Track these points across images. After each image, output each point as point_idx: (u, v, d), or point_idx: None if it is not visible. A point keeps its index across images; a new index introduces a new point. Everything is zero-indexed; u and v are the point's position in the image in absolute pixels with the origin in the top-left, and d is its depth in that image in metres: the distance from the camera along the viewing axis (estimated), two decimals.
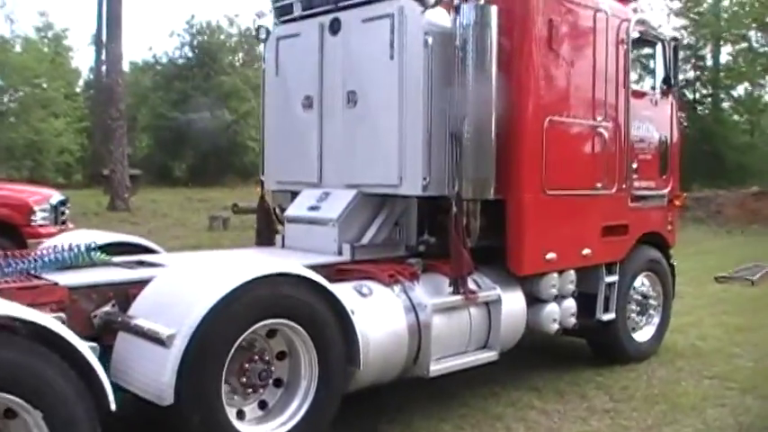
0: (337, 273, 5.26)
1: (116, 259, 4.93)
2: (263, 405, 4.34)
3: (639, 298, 7.02)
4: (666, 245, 7.40)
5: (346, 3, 5.77)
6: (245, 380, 4.20)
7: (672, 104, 7.27)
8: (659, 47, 7.04)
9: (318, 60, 5.96)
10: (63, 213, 10.94)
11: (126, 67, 30.32)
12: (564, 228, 5.95)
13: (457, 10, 5.22)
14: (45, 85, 31.54)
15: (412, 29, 5.29)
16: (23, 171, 32.81)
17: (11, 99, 32.56)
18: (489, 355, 5.44)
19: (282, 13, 6.36)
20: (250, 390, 4.25)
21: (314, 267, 5.12)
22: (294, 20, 6.24)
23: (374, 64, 5.52)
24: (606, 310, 6.55)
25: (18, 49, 34.36)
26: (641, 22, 6.70)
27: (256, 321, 4.09)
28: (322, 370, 4.38)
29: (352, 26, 5.71)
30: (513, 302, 5.66)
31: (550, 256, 5.78)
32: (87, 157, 34.04)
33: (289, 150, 6.33)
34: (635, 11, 6.72)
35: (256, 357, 4.25)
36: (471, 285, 5.39)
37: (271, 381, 4.34)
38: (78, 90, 39.00)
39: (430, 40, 5.23)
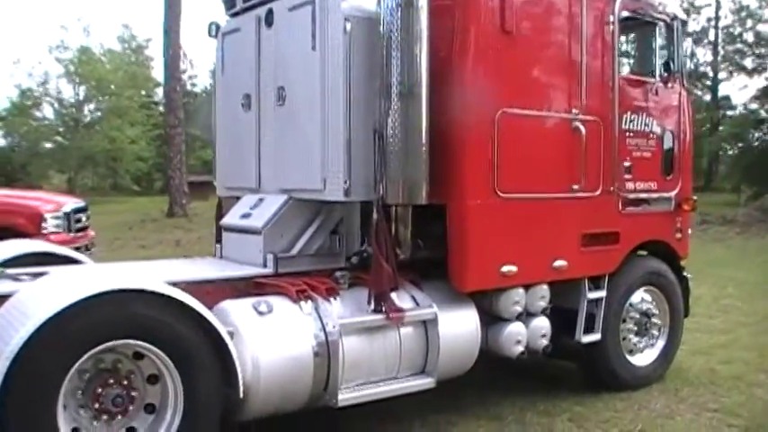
0: (255, 287, 4.75)
1: (9, 271, 4.60)
2: None
3: (638, 316, 6.14)
4: (676, 255, 6.47)
5: None
6: (97, 405, 3.76)
7: (680, 94, 6.34)
8: (658, 27, 6.12)
9: (256, 56, 5.47)
10: (79, 221, 10.88)
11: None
12: (527, 236, 5.20)
13: None
14: (121, 95, 32.60)
15: (332, 15, 4.72)
16: (104, 179, 34.18)
17: (89, 110, 33.86)
18: (424, 383, 4.78)
19: (229, 6, 5.91)
20: (106, 416, 3.79)
21: (228, 281, 4.73)
22: (237, 14, 5.78)
23: (299, 56, 4.98)
24: (590, 330, 5.74)
25: (103, 60, 35.79)
26: None
27: (99, 343, 3.63)
28: (188, 396, 3.88)
29: (281, 16, 5.20)
30: (459, 322, 4.98)
31: (508, 269, 5.05)
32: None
33: (232, 154, 5.89)
34: None
35: (112, 381, 3.79)
36: (405, 302, 4.77)
37: (132, 407, 3.87)
38: (157, 99, 40.24)
39: (349, 26, 4.64)
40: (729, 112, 38.61)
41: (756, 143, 30.09)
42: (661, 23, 6.12)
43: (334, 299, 4.58)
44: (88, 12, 63.83)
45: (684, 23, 6.54)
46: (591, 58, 5.51)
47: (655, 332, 6.30)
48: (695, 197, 6.48)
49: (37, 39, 68.69)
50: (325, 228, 5.19)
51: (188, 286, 4.46)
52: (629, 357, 6.09)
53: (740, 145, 31.37)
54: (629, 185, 5.90)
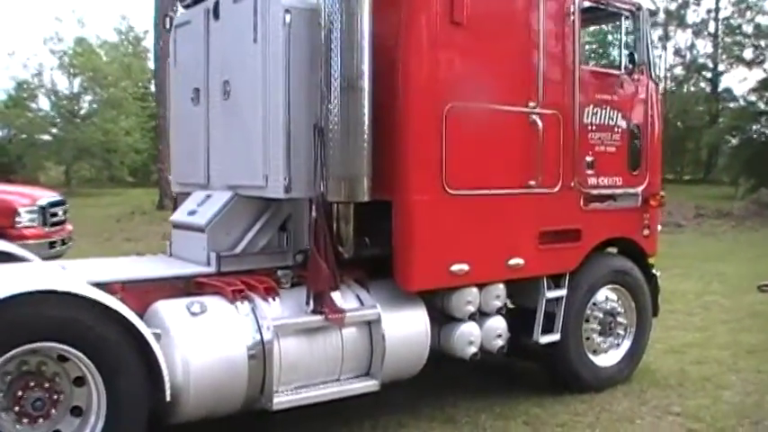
0: (196, 286, 4.62)
1: None
2: None
3: (602, 316, 5.98)
4: (643, 253, 6.31)
5: None
6: (17, 408, 3.67)
7: (648, 87, 6.15)
8: (623, 18, 5.92)
9: (205, 49, 5.32)
10: (55, 215, 10.76)
11: None
12: (480, 234, 5.04)
13: None
14: (115, 87, 32.49)
15: (272, 7, 4.56)
16: (101, 171, 34.07)
17: (87, 101, 33.76)
18: (367, 385, 4.65)
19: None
20: (27, 419, 3.69)
21: (167, 280, 4.61)
22: (189, 6, 5.63)
23: (242, 49, 4.84)
24: (549, 330, 5.59)
25: (99, 51, 35.67)
26: None
27: (14, 346, 3.53)
28: (110, 400, 3.78)
29: (227, 8, 5.04)
30: (406, 323, 4.84)
31: (458, 267, 4.90)
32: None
33: (184, 149, 5.75)
34: None
35: (33, 384, 3.67)
36: (349, 302, 4.64)
37: (55, 410, 3.77)
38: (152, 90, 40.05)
39: (289, 17, 4.48)
40: (732, 105, 38.30)
41: (755, 136, 29.81)
42: (626, 13, 5.91)
43: (274, 299, 4.44)
44: (84, 3, 63.60)
45: (653, 13, 6.35)
46: (549, 51, 5.33)
47: (620, 332, 6.14)
48: (663, 193, 6.30)
49: (32, 31, 68.62)
50: (272, 225, 5.05)
51: (125, 286, 4.38)
52: (592, 358, 5.93)
53: (739, 137, 31.08)
54: (592, 181, 5.73)
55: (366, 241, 4.87)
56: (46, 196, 10.82)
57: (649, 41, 6.16)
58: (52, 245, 10.46)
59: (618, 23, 6.01)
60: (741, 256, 14.54)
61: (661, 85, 44.31)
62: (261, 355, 4.22)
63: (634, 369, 6.24)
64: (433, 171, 4.74)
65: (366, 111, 4.45)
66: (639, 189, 6.09)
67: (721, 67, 39.70)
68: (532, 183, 5.24)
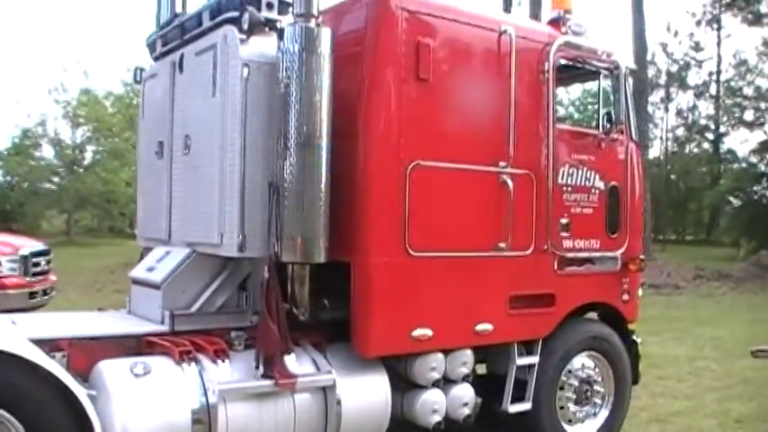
0: (147, 345, 4.44)
1: None
2: None
3: (577, 384, 5.73)
4: (622, 319, 6.09)
5: (189, 35, 5.05)
6: None
7: (628, 147, 6.03)
8: (601, 76, 5.83)
9: (170, 102, 5.24)
10: (37, 265, 10.61)
11: None
12: (444, 298, 4.85)
13: (280, 35, 4.38)
14: (119, 138, 32.78)
15: (231, 60, 4.48)
16: (102, 220, 34.11)
17: (91, 150, 33.99)
18: None
19: (151, 50, 5.71)
20: None
21: (117, 338, 4.44)
22: (158, 58, 5.57)
23: (202, 103, 4.75)
24: (520, 398, 5.35)
25: (105, 102, 36.12)
26: (570, 45, 5.55)
27: None
28: None
29: (190, 61, 4.97)
30: (364, 389, 4.63)
31: (420, 332, 4.70)
32: None
33: (147, 203, 5.63)
34: (565, 32, 5.59)
35: None
36: (305, 366, 4.44)
37: None
38: None
39: (246, 71, 4.39)
40: (735, 166, 38.38)
41: (756, 197, 29.71)
42: (604, 72, 5.82)
43: (223, 361, 4.25)
44: (90, 55, 64.79)
45: (633, 72, 6.26)
46: (522, 109, 5.21)
47: (597, 401, 5.88)
48: (643, 257, 6.11)
49: (37, 81, 69.88)
50: (230, 283, 4.89)
51: (72, 342, 4.21)
52: (567, 428, 5.67)
53: (740, 198, 30.99)
54: (567, 244, 5.55)
55: (325, 303, 4.70)
56: (28, 245, 10.69)
57: (629, 101, 6.06)
58: (33, 295, 10.29)
59: (596, 82, 5.90)
60: (738, 320, 14.24)
61: (662, 147, 44.68)
62: (206, 419, 4.02)
63: None
64: (394, 232, 4.58)
65: (323, 169, 4.33)
66: (618, 252, 5.90)
67: (723, 129, 39.92)
68: (502, 245, 5.07)
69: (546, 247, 5.37)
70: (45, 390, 3.61)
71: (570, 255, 5.56)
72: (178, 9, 5.46)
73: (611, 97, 5.83)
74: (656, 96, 43.91)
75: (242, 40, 4.45)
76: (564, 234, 5.52)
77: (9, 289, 9.92)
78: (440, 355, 4.90)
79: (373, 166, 4.56)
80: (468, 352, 5.07)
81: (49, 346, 4.07)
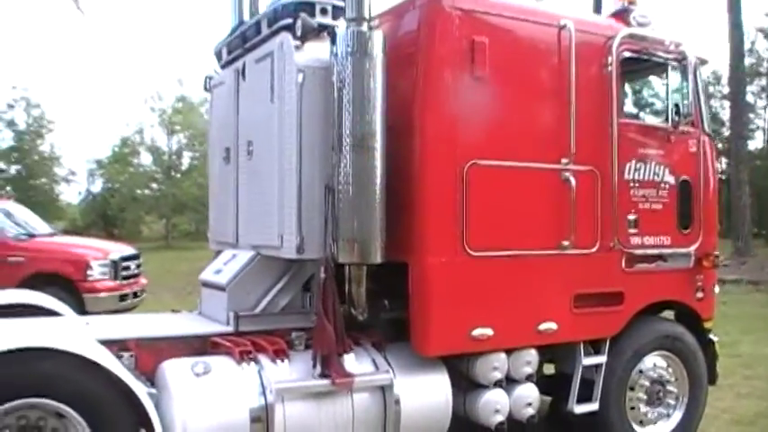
0: (213, 346, 4.61)
1: None
2: None
3: (648, 384, 5.57)
4: (697, 317, 5.87)
5: (250, 44, 5.20)
6: None
7: (700, 141, 5.80)
8: (669, 68, 5.63)
9: (235, 108, 5.42)
10: (127, 269, 11.16)
11: None
12: (505, 297, 4.82)
13: (333, 39, 4.46)
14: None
15: (287, 67, 4.60)
16: (200, 224, 35.42)
17: (189, 156, 35.34)
18: None
19: (218, 59, 5.91)
20: None
21: (184, 339, 4.62)
22: (224, 66, 5.77)
23: (262, 109, 4.89)
24: (587, 398, 5.24)
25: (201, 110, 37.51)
26: (635, 37, 5.41)
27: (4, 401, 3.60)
28: None
29: (251, 69, 5.13)
30: (424, 389, 4.65)
31: (480, 332, 4.68)
32: None
33: (217, 208, 5.83)
34: (631, 23, 5.44)
35: None
36: (364, 366, 4.51)
37: None
38: None
39: (301, 77, 4.50)
40: None
41: None
42: (672, 63, 5.62)
43: (282, 361, 4.36)
44: (184, 62, 67.39)
45: (704, 62, 6.02)
46: (583, 104, 5.10)
47: (671, 401, 5.70)
48: (716, 253, 5.86)
49: (134, 91, 73.59)
50: (293, 285, 5.02)
51: (139, 343, 4.42)
52: (638, 429, 5.53)
53: None
54: (635, 240, 5.40)
55: (385, 303, 4.75)
56: (118, 250, 11.26)
57: (700, 92, 5.84)
58: (123, 297, 10.84)
59: (664, 74, 5.70)
60: None
61: (765, 138, 42.48)
62: (264, 418, 4.14)
63: None
64: (451, 232, 4.58)
65: (378, 170, 4.38)
66: (692, 249, 5.70)
67: None
68: (566, 243, 4.99)
69: (612, 244, 5.24)
70: (108, 388, 3.81)
71: (639, 252, 5.41)
72: (246, 17, 5.63)
73: (681, 89, 5.61)
74: (756, 86, 41.84)
75: (297, 47, 4.56)
76: (632, 231, 5.38)
77: (100, 292, 10.49)
78: (502, 355, 4.87)
79: (429, 166, 4.58)
80: (533, 351, 5.02)
81: (117, 346, 4.29)
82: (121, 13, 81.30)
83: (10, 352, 3.58)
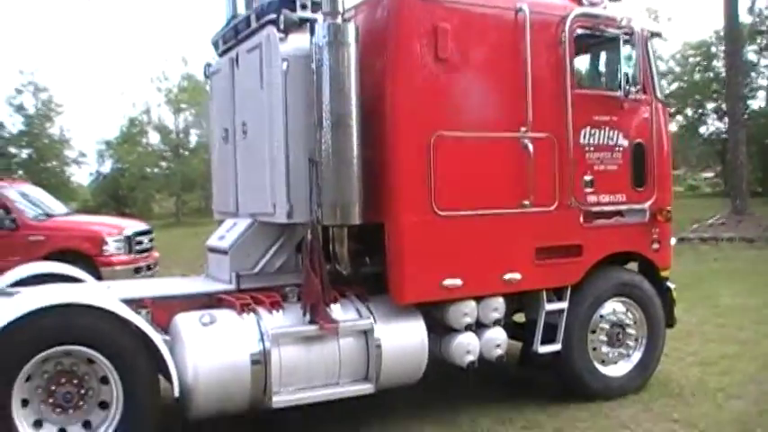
0: (218, 301, 5.32)
1: (9, 289, 5.39)
2: (86, 425, 4.58)
3: (608, 327, 6.24)
4: (654, 266, 6.52)
5: (242, 35, 5.84)
6: (52, 401, 4.47)
7: (653, 106, 6.40)
8: (621, 41, 6.13)
9: (231, 93, 6.06)
10: (140, 243, 11.89)
11: None
12: (472, 251, 5.48)
13: (312, 31, 5.10)
14: None
15: (273, 56, 5.24)
16: (209, 201, 36.13)
17: (196, 134, 35.99)
18: (363, 388, 5.19)
19: (216, 49, 6.55)
20: (60, 410, 4.49)
21: (192, 296, 5.32)
22: (221, 55, 6.41)
23: (253, 94, 5.54)
24: (551, 340, 5.93)
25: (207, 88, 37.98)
26: (586, 16, 5.99)
27: (44, 348, 4.35)
28: (127, 396, 4.53)
29: (244, 58, 5.77)
30: (403, 333, 5.34)
31: (451, 282, 5.36)
32: None
33: (219, 182, 6.51)
34: (583, 3, 6.00)
35: (63, 380, 4.47)
36: (349, 314, 5.21)
37: (84, 403, 4.55)
38: None
39: (285, 65, 5.15)
40: None
41: None
42: (623, 37, 6.13)
43: (278, 311, 5.07)
44: (188, 41, 67.91)
45: (656, 35, 6.59)
46: (540, 78, 5.70)
47: (630, 343, 6.35)
48: (668, 208, 6.48)
49: (140, 71, 74.24)
50: (287, 246, 5.70)
51: (155, 301, 5.13)
52: (600, 368, 6.19)
53: None
54: (592, 199, 6.03)
55: (366, 260, 5.43)
56: (131, 226, 11.99)
57: (651, 62, 6.42)
58: (137, 270, 11.60)
59: (616, 47, 6.24)
60: None
61: (763, 96, 42.58)
62: (263, 360, 4.84)
63: (647, 379, 6.44)
64: (421, 195, 5.24)
65: (354, 144, 5.03)
66: (646, 205, 6.32)
67: None
68: (526, 202, 5.64)
69: (570, 202, 5.88)
70: (131, 337, 4.55)
71: (596, 209, 6.04)
72: (241, 9, 6.25)
73: (631, 60, 6.16)
74: (758, 46, 41.81)
75: (281, 39, 5.20)
76: (588, 190, 6.01)
77: (116, 266, 11.26)
78: (472, 303, 5.54)
79: (400, 138, 5.23)
80: (500, 299, 5.69)
81: (136, 304, 4.98)
82: None
83: (56, 306, 4.31)
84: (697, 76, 44.87)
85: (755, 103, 43.56)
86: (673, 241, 6.73)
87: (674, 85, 47.55)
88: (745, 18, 39.00)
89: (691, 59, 46.33)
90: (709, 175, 50.52)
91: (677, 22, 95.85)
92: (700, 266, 14.70)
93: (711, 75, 42.44)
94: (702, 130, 46.46)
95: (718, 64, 39.00)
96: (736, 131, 24.81)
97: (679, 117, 48.03)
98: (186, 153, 37.60)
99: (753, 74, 42.21)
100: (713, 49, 41.61)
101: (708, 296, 11.20)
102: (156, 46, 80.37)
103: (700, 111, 45.80)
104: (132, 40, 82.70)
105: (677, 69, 48.12)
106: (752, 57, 42.74)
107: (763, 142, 40.28)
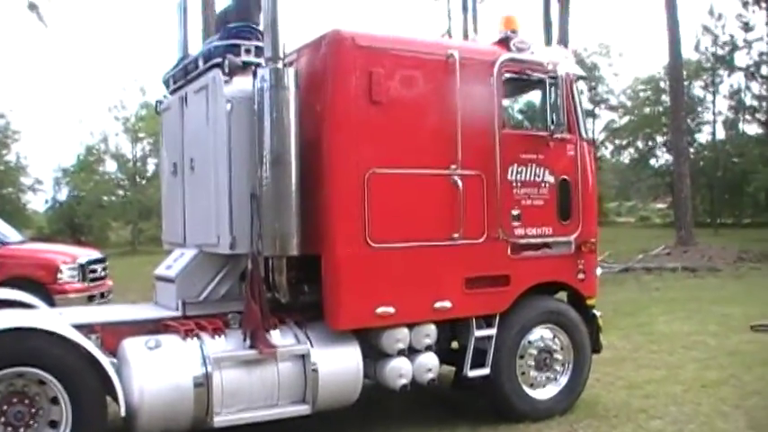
0: (164, 327, 5.60)
1: None
2: None
3: (536, 353, 6.64)
4: (580, 295, 6.97)
5: (191, 76, 6.20)
6: (3, 419, 4.72)
7: (578, 144, 6.88)
8: (547, 85, 6.60)
9: (180, 130, 6.40)
10: (94, 272, 12.04)
11: None
12: (404, 280, 5.84)
13: (254, 74, 5.47)
14: None
15: (218, 97, 5.61)
16: (158, 229, 36.09)
17: (154, 163, 36.01)
18: (300, 409, 5.50)
19: (167, 87, 6.89)
20: (11, 428, 4.73)
21: (140, 322, 5.60)
22: (172, 92, 6.76)
23: (200, 132, 5.90)
24: (480, 365, 6.31)
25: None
26: (514, 61, 6.47)
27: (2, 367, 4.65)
28: (75, 414, 4.78)
29: (192, 97, 6.12)
30: (338, 357, 5.67)
31: (384, 310, 5.71)
32: None
33: (169, 213, 6.81)
34: (511, 49, 6.49)
35: (15, 400, 4.73)
36: (287, 339, 5.53)
37: (35, 422, 4.81)
38: None
39: (229, 106, 5.51)
40: None
41: None
42: (549, 81, 6.57)
43: (220, 336, 5.37)
44: (146, 70, 68.21)
45: (582, 78, 7.10)
46: (469, 119, 6.12)
47: (557, 368, 6.74)
48: (593, 240, 6.94)
49: (98, 100, 74.21)
50: (231, 275, 6.02)
51: (104, 327, 5.40)
52: (529, 391, 6.56)
53: None
54: (519, 231, 6.46)
55: (305, 289, 5.78)
56: (85, 255, 12.14)
57: (576, 103, 6.92)
58: (91, 298, 11.73)
59: (543, 89, 6.71)
60: (760, 299, 14.45)
61: (712, 131, 44.26)
62: (205, 382, 5.14)
63: (573, 402, 6.82)
64: (355, 228, 5.61)
65: (293, 180, 5.41)
66: (572, 237, 6.77)
67: None
68: (456, 235, 6.04)
69: (498, 235, 6.29)
70: (80, 360, 4.83)
71: (523, 241, 6.47)
72: (192, 50, 6.62)
73: (556, 102, 6.64)
74: (701, 82, 43.54)
75: (226, 81, 5.57)
76: (515, 223, 6.43)
77: (70, 293, 11.38)
78: (404, 329, 5.90)
79: (335, 175, 5.62)
80: (431, 326, 6.05)
81: (86, 329, 5.26)
82: (83, 22, 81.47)
83: (9, 330, 4.59)
84: (647, 110, 46.44)
85: (702, 137, 45.24)
86: (598, 271, 7.19)
87: (626, 119, 49.17)
88: (693, 55, 40.72)
89: (641, 94, 48.00)
90: (662, 206, 51.99)
91: (628, 58, 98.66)
92: (641, 295, 15.31)
93: (660, 109, 43.95)
94: (653, 162, 47.99)
95: (667, 98, 40.59)
96: (681, 164, 25.83)
97: (630, 150, 49.64)
98: (143, 182, 37.59)
99: (699, 108, 43.87)
100: (662, 84, 43.13)
101: (644, 323, 11.74)
102: (114, 75, 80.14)
103: (650, 143, 47.34)
104: (91, 68, 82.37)
105: (629, 103, 49.76)
106: (698, 92, 44.52)
107: (710, 174, 41.79)
